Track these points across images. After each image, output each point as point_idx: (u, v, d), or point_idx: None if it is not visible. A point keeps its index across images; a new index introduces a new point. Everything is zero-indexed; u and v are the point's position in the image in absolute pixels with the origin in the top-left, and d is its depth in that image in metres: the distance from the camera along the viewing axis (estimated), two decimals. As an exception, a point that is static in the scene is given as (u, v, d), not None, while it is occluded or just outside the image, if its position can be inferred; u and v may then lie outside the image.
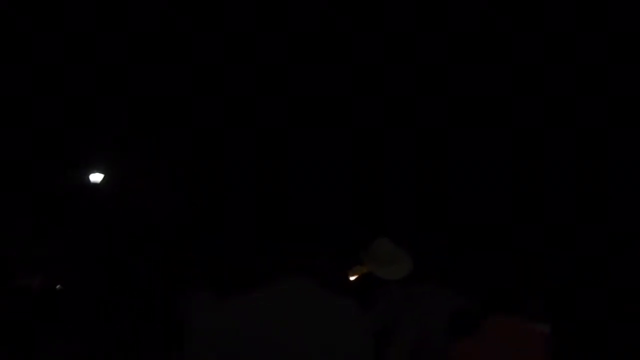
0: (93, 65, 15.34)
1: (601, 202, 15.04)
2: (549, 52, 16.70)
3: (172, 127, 16.52)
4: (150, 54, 16.06)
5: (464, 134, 17.21)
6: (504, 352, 2.01)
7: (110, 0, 15.33)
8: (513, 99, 16.89)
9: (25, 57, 14.19)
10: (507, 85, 16.74)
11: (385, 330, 2.48)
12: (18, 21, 14.24)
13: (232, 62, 17.28)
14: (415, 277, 2.69)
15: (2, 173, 13.07)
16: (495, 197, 16.08)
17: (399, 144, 17.74)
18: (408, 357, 2.30)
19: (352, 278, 2.93)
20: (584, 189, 15.57)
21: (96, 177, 14.11)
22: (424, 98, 17.36)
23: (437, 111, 17.36)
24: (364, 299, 2.64)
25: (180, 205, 14.60)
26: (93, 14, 15.12)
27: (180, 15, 16.59)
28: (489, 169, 16.51)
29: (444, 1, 16.86)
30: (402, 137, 17.67)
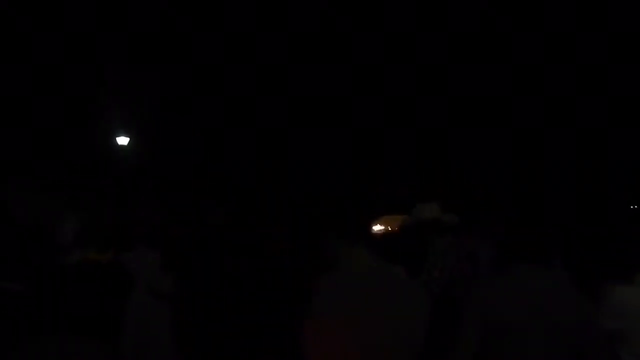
0: (93, 65, 15.35)
1: (601, 202, 15.05)
2: (549, 52, 16.72)
3: (172, 127, 16.55)
4: (153, 54, 16.08)
5: (464, 134, 17.23)
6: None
7: (110, 0, 15.35)
8: (513, 99, 16.91)
9: (25, 57, 14.21)
10: (507, 85, 16.76)
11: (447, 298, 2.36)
12: (18, 21, 14.25)
13: (232, 62, 17.30)
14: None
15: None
16: (495, 197, 16.09)
17: (399, 144, 17.76)
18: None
19: (380, 228, 2.84)
20: (583, 188, 15.58)
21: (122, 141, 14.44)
22: (424, 98, 17.37)
23: (437, 111, 17.38)
24: (413, 266, 2.53)
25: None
26: (93, 14, 15.14)
27: (180, 15, 16.61)
28: (488, 169, 16.52)
29: (444, 1, 16.87)
30: (402, 137, 17.68)
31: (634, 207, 13.17)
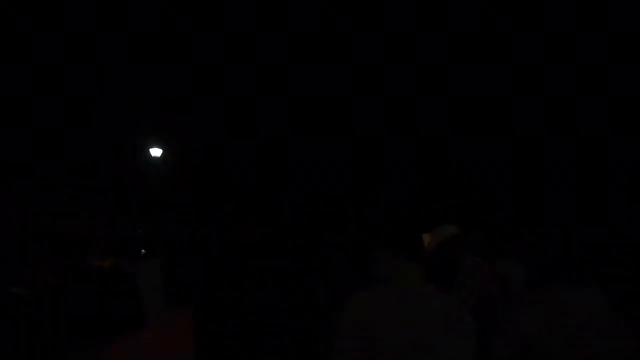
0: (93, 65, 15.35)
1: (601, 202, 15.04)
2: (549, 52, 16.71)
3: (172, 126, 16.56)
4: (151, 54, 16.07)
5: (464, 134, 17.22)
6: None
7: (110, 0, 15.33)
8: (513, 99, 16.90)
9: (25, 57, 14.20)
10: (507, 85, 16.75)
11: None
12: (18, 21, 14.24)
13: (232, 62, 17.29)
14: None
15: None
16: (494, 197, 16.08)
17: (399, 143, 17.75)
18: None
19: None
20: (583, 189, 15.57)
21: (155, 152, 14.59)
22: (424, 98, 17.37)
23: (437, 111, 17.37)
24: (442, 284, 2.54)
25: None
26: (93, 14, 15.12)
27: (180, 15, 16.59)
28: (488, 169, 16.51)
29: (444, 1, 16.86)
30: (402, 137, 17.68)
31: None
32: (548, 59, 16.66)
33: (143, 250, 4.11)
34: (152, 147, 14.67)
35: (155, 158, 14.71)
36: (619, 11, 15.01)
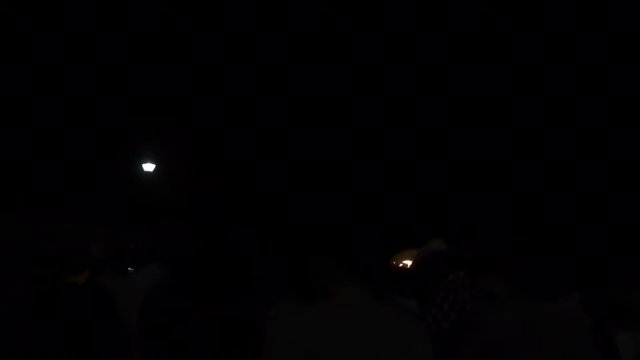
0: (93, 65, 15.36)
1: (600, 202, 15.04)
2: (549, 52, 16.72)
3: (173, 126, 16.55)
4: (150, 54, 16.08)
5: (464, 134, 17.22)
6: None
7: (110, 0, 15.35)
8: (513, 99, 16.90)
9: (25, 57, 14.22)
10: (507, 85, 16.75)
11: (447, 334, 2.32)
12: (18, 21, 14.26)
13: (232, 62, 17.31)
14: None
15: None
16: (493, 197, 16.08)
17: (399, 143, 17.75)
18: None
19: (400, 263, 2.85)
20: (583, 188, 15.57)
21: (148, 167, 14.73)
22: (424, 98, 17.37)
23: (437, 111, 17.37)
24: (424, 300, 2.53)
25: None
26: (93, 14, 15.15)
27: (180, 15, 16.61)
28: (488, 169, 16.51)
29: (444, 1, 16.87)
30: (402, 137, 17.68)
31: None
32: (548, 59, 16.67)
33: (130, 268, 4.04)
34: (145, 162, 14.78)
35: (148, 173, 14.84)
36: (619, 11, 15.02)
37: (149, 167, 14.83)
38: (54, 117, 14.55)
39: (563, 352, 1.73)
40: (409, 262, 2.80)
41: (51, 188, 12.88)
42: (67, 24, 14.76)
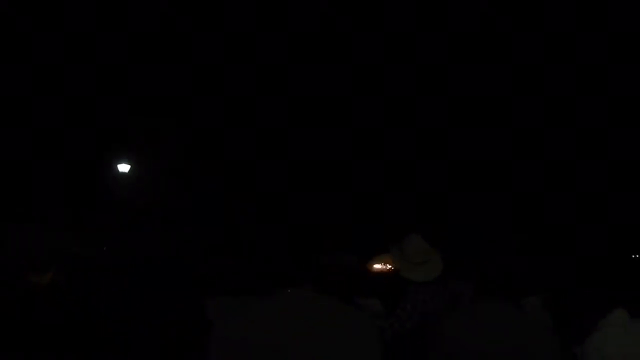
0: (93, 65, 15.36)
1: (600, 202, 15.04)
2: (549, 52, 16.72)
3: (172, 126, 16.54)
4: (150, 54, 16.08)
5: (464, 134, 17.22)
6: None
7: (110, 0, 15.36)
8: (513, 99, 16.91)
9: (25, 57, 14.22)
10: (507, 85, 16.76)
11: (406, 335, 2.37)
12: (18, 21, 14.27)
13: (232, 62, 17.31)
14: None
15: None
16: (492, 197, 16.08)
17: (399, 143, 17.75)
18: None
19: (377, 266, 2.87)
20: (583, 188, 15.57)
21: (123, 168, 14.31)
22: (424, 98, 17.38)
23: (437, 111, 17.38)
24: (390, 300, 2.57)
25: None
26: (93, 14, 15.15)
27: (180, 15, 16.61)
28: (488, 169, 16.51)
29: (444, 1, 16.88)
30: (402, 137, 17.68)
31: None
32: (548, 59, 16.67)
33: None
34: (120, 163, 14.07)
35: (123, 174, 14.15)
36: (619, 11, 15.02)
37: (124, 167, 14.05)
38: (55, 117, 14.55)
39: (524, 353, 1.75)
40: (384, 266, 2.82)
41: (18, 190, 12.54)
42: (67, 24, 14.78)
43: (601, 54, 15.84)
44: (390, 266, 2.77)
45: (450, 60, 17.10)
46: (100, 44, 15.36)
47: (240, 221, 14.16)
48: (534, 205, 15.99)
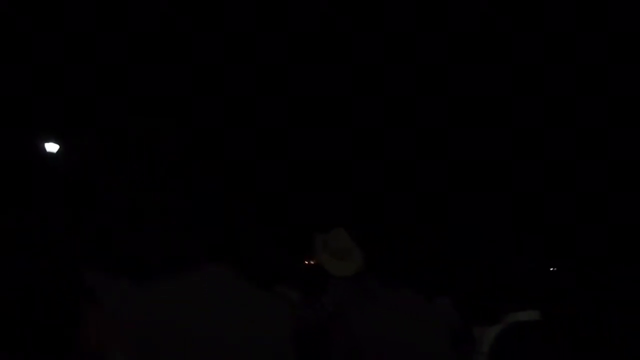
0: (93, 65, 15.35)
1: (600, 202, 15.04)
2: (549, 52, 16.72)
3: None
4: (150, 54, 16.07)
5: (464, 134, 17.23)
6: None
7: (110, 0, 15.35)
8: (513, 99, 16.91)
9: (25, 57, 14.21)
10: (507, 85, 16.76)
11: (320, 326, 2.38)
12: (18, 21, 14.26)
13: (232, 62, 17.30)
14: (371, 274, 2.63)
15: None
16: (492, 197, 16.09)
17: (399, 143, 17.76)
18: None
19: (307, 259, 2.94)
20: (583, 188, 15.58)
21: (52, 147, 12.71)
22: (424, 98, 17.38)
23: (437, 111, 17.38)
24: (310, 290, 2.62)
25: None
26: (93, 14, 15.14)
27: (180, 15, 16.61)
28: (488, 169, 16.52)
29: (444, 1, 16.87)
30: (402, 137, 17.69)
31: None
32: (548, 59, 16.67)
33: None
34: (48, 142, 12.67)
35: (51, 154, 12.70)
36: (619, 11, 15.02)
37: (52, 147, 12.70)
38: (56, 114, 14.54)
39: (423, 347, 1.86)
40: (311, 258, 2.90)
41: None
42: (67, 24, 14.77)
43: (601, 54, 15.84)
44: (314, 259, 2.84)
45: (450, 60, 17.10)
46: (100, 44, 15.36)
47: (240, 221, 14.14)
48: (534, 205, 16.00)
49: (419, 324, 1.91)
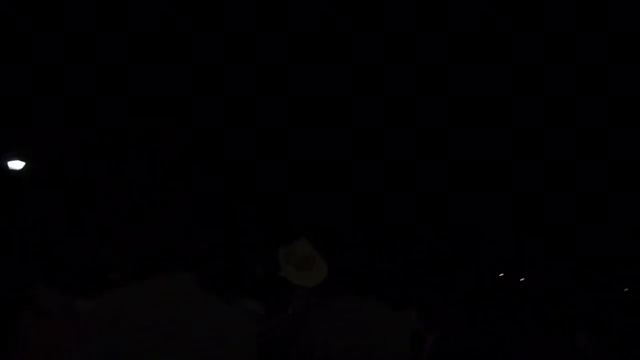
0: (93, 65, 15.33)
1: (600, 202, 15.04)
2: (549, 52, 16.72)
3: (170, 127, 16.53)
4: (151, 54, 16.05)
5: (464, 134, 17.23)
6: None
7: (110, 0, 15.32)
8: (513, 99, 16.91)
9: (25, 57, 14.19)
10: (507, 85, 16.75)
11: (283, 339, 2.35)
12: (18, 21, 14.23)
13: (232, 62, 17.28)
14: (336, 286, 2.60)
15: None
16: (492, 197, 16.08)
17: (399, 143, 17.75)
18: None
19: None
20: (583, 188, 15.57)
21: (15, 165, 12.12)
22: (424, 98, 17.37)
23: (437, 111, 17.37)
24: (272, 302, 2.61)
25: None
26: (93, 14, 15.11)
27: (180, 15, 16.59)
28: (488, 169, 16.51)
29: (444, 1, 16.86)
30: (402, 137, 17.68)
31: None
32: (548, 59, 16.66)
33: None
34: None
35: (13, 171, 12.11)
36: (619, 11, 15.02)
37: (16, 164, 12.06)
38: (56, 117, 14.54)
39: (385, 358, 1.90)
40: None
41: None
42: (67, 24, 14.74)
43: (601, 54, 15.84)
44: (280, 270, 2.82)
45: (450, 60, 17.09)
46: (100, 44, 15.34)
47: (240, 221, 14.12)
48: (534, 205, 16.00)
49: (381, 335, 1.94)
